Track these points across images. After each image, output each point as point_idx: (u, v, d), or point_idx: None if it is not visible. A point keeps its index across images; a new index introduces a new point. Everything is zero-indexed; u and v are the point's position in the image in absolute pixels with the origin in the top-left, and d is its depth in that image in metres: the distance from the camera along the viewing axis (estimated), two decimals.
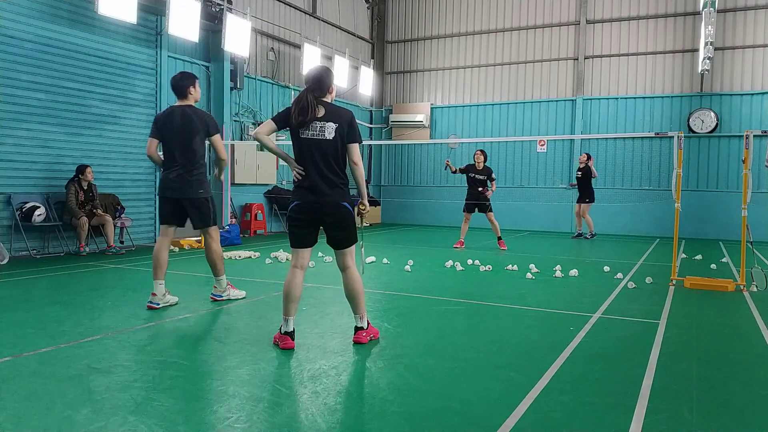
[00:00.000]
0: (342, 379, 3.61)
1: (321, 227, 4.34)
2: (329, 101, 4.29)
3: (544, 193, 16.31)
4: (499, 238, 11.21)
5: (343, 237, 4.32)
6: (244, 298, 6.01)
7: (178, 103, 5.66)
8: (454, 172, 11.42)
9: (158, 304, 5.52)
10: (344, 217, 4.26)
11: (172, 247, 10.45)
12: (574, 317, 5.46)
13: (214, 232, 5.80)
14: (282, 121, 4.22)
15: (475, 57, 17.40)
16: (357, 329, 4.43)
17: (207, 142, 5.72)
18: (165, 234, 5.71)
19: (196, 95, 5.71)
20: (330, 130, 4.15)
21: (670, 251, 7.96)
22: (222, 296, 5.91)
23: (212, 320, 5.16)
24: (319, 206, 4.21)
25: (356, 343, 4.37)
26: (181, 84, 5.61)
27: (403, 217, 17.73)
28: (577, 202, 13.68)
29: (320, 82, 4.23)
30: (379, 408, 3.19)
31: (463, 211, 11.39)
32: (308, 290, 6.63)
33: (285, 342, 4.23)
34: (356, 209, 4.38)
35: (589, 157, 13.51)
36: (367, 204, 4.43)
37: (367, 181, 18.43)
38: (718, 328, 5.22)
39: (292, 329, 4.28)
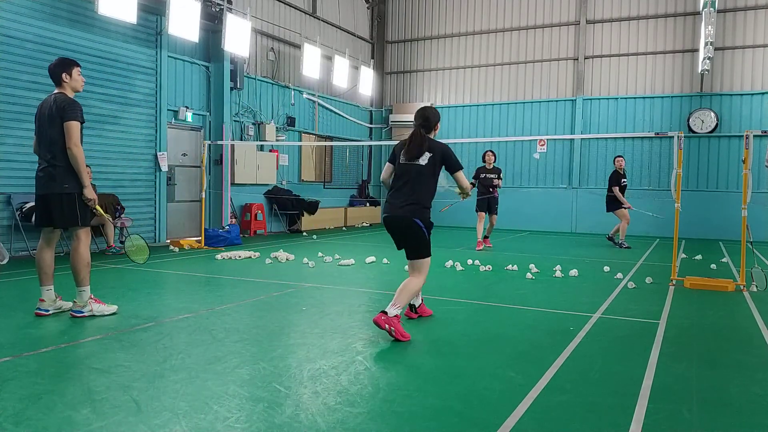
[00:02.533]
0: (342, 379, 3.61)
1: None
2: (432, 137, 5.08)
3: (544, 193, 16.31)
4: (486, 237, 11.43)
5: (411, 249, 4.89)
6: (114, 314, 5.23)
7: (54, 91, 5.20)
8: (468, 193, 11.45)
9: (48, 311, 5.18)
10: (413, 232, 4.79)
11: (172, 247, 10.45)
12: (574, 317, 5.46)
13: (84, 235, 5.22)
14: (392, 156, 5.10)
15: (475, 57, 17.40)
16: (381, 312, 4.58)
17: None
18: (43, 237, 5.26)
19: (74, 84, 5.21)
20: (424, 158, 4.85)
21: (670, 251, 7.96)
22: (83, 312, 5.12)
23: (212, 320, 5.16)
24: (393, 219, 4.87)
25: (374, 322, 4.52)
26: (55, 71, 5.15)
27: None
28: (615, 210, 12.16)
29: (428, 120, 5.03)
30: (379, 408, 3.19)
31: (476, 211, 11.40)
32: (308, 290, 6.64)
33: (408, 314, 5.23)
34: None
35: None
36: (467, 185, 5.14)
37: (367, 181, 18.42)
38: (718, 328, 5.22)
39: (419, 302, 5.32)
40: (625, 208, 11.96)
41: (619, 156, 12.29)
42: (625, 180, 12.09)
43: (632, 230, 14.91)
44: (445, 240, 12.75)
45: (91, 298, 5.19)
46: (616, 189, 11.86)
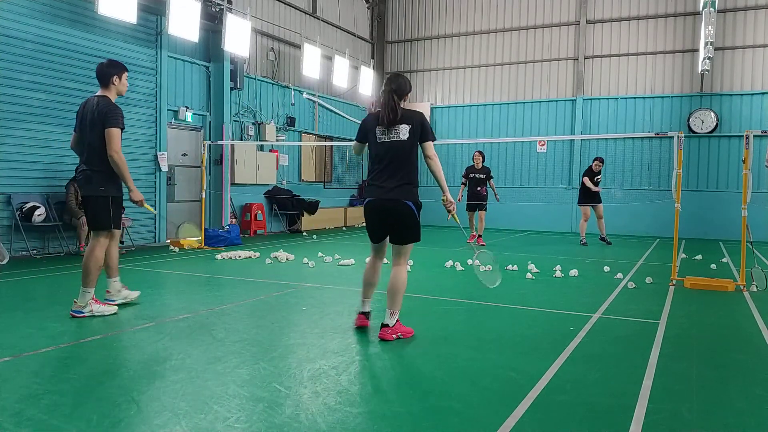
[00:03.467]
0: (342, 379, 3.61)
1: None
2: (403, 106, 4.59)
3: (544, 193, 16.31)
4: (479, 236, 11.58)
5: (402, 234, 4.58)
6: (114, 314, 5.22)
7: (98, 92, 5.31)
8: (461, 196, 11.78)
9: (114, 300, 5.44)
10: (406, 214, 4.49)
11: (171, 248, 10.45)
12: (574, 317, 5.46)
13: (105, 238, 5.23)
14: (361, 134, 4.70)
15: (475, 57, 17.40)
16: (383, 326, 4.54)
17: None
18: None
19: (121, 87, 5.32)
20: (404, 131, 4.48)
21: (670, 251, 7.96)
22: (83, 312, 5.10)
23: (212, 320, 5.16)
24: (382, 203, 4.54)
25: (381, 339, 4.47)
26: (106, 71, 5.24)
27: None
28: (597, 204, 12.58)
29: (401, 86, 4.58)
30: (379, 408, 3.19)
31: (466, 210, 11.78)
32: (308, 290, 6.64)
33: (358, 320, 4.78)
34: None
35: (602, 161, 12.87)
36: (449, 197, 4.64)
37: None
38: (718, 328, 5.22)
39: (367, 310, 4.79)
40: (586, 205, 12.62)
41: (597, 158, 12.64)
42: (598, 177, 12.58)
43: (632, 230, 14.94)
44: (444, 240, 12.75)
45: (92, 299, 5.19)
46: (586, 179, 12.47)
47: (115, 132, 5.08)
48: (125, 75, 5.38)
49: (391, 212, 4.51)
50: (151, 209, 6.19)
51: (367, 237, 4.84)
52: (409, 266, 8.29)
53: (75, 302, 5.15)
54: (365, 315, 4.79)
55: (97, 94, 5.30)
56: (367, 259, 4.99)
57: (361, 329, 4.76)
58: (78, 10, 9.71)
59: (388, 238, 4.70)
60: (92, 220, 5.27)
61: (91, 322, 4.95)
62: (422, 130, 4.51)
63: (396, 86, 4.56)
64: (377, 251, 4.78)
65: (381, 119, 4.51)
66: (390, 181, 4.49)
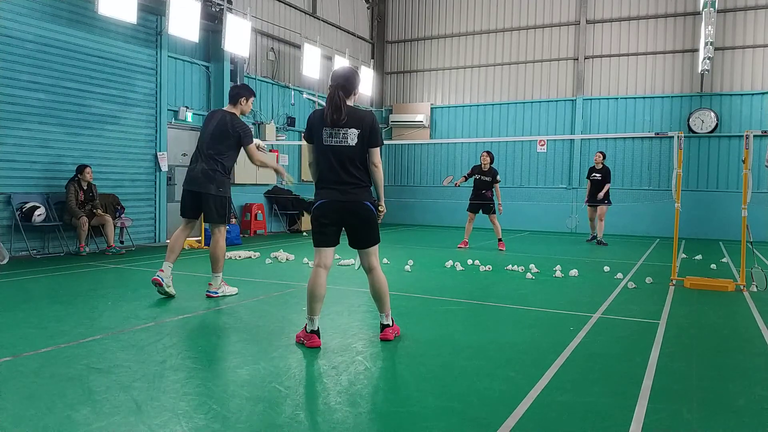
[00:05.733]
0: (342, 379, 3.60)
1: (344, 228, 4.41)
2: (351, 104, 4.30)
3: (544, 193, 16.31)
4: (500, 240, 11.23)
5: (365, 237, 4.38)
6: (236, 294, 6.21)
7: (226, 108, 6.16)
8: (459, 185, 11.47)
9: (164, 280, 5.91)
10: (367, 216, 4.31)
11: None
12: (574, 317, 5.46)
13: (224, 230, 6.14)
14: (308, 133, 4.37)
15: (475, 57, 17.40)
16: (383, 327, 4.52)
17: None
18: (185, 224, 6.16)
19: (245, 109, 6.14)
20: (353, 136, 4.19)
21: (670, 251, 7.96)
22: (217, 293, 6.08)
23: (212, 320, 5.16)
24: (341, 205, 4.26)
25: (383, 340, 4.45)
26: (238, 92, 6.10)
27: (403, 217, 17.73)
28: (595, 204, 12.56)
29: (349, 81, 4.25)
30: (379, 408, 3.19)
31: (468, 210, 11.40)
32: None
33: (311, 340, 4.29)
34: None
35: (604, 157, 12.86)
36: (383, 206, 4.51)
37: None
38: (718, 328, 5.22)
39: (316, 328, 4.35)
40: (588, 204, 12.79)
41: (598, 152, 12.94)
42: (595, 175, 12.63)
43: (632, 230, 14.94)
44: (444, 240, 12.75)
45: (222, 282, 6.08)
46: (588, 176, 12.74)
47: (253, 148, 6.14)
48: (252, 99, 6.22)
49: (352, 214, 4.27)
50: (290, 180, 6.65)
51: (315, 245, 4.39)
52: (409, 266, 8.31)
53: (210, 285, 6.05)
54: (317, 333, 4.31)
55: (225, 108, 6.17)
56: (307, 260, 4.80)
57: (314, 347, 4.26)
58: (78, 10, 9.71)
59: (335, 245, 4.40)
60: (209, 215, 5.98)
61: (92, 323, 4.95)
62: (371, 134, 4.23)
63: (343, 81, 4.21)
64: (325, 260, 4.35)
65: (324, 118, 4.19)
66: (342, 184, 4.22)
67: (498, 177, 11.23)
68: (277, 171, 6.42)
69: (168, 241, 11.17)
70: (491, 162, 11.24)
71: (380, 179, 4.39)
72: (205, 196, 5.92)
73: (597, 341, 4.64)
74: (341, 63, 15.62)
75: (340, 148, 4.20)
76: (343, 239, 4.50)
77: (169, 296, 5.96)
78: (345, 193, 4.22)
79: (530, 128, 16.60)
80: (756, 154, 8.49)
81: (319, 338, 4.32)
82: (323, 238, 4.32)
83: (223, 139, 5.93)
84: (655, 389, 3.52)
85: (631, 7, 15.53)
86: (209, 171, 5.90)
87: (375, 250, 4.44)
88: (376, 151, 4.31)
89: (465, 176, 11.45)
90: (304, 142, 4.53)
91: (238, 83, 12.76)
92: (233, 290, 6.24)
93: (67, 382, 3.48)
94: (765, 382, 3.75)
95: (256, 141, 6.34)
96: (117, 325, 4.88)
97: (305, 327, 4.38)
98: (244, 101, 6.08)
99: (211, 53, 12.47)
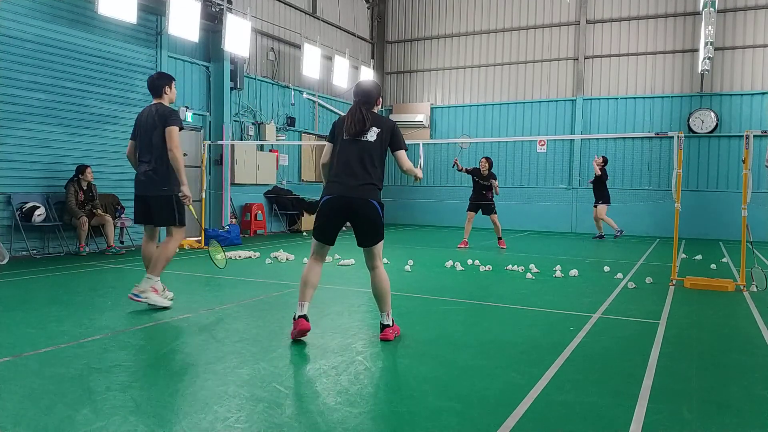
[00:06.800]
0: (342, 379, 3.60)
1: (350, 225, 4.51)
2: (375, 111, 4.58)
3: (544, 193, 16.31)
4: (500, 238, 11.32)
5: (369, 235, 4.44)
6: (167, 308, 5.48)
7: (153, 102, 5.74)
8: (461, 170, 11.45)
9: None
10: (372, 215, 4.37)
11: None
12: (574, 317, 5.46)
13: (177, 233, 5.66)
14: (332, 135, 4.57)
15: (475, 57, 17.40)
16: (383, 327, 4.53)
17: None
18: (146, 233, 5.81)
19: (172, 96, 5.78)
20: (372, 133, 4.41)
21: (670, 251, 7.96)
22: (140, 297, 5.47)
23: (212, 320, 5.16)
24: (348, 201, 4.35)
25: (383, 340, 4.46)
26: (157, 83, 5.71)
27: (404, 217, 17.73)
28: (594, 206, 13.51)
29: (370, 96, 4.52)
30: (379, 408, 3.19)
31: (467, 210, 11.49)
32: None
33: (299, 326, 4.34)
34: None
35: (605, 161, 13.52)
36: (409, 166, 4.60)
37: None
38: (718, 328, 5.22)
39: (305, 313, 4.38)
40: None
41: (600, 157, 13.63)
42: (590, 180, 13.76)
43: (632, 230, 14.94)
44: (444, 240, 12.75)
45: (152, 288, 5.47)
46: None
47: (175, 130, 5.50)
48: (174, 83, 5.83)
49: (357, 211, 4.34)
50: (194, 213, 6.28)
51: (315, 237, 4.52)
52: (409, 266, 8.31)
53: (136, 286, 5.47)
54: (305, 318, 4.37)
55: (152, 103, 5.72)
56: (306, 260, 4.86)
57: (303, 333, 4.36)
58: (78, 10, 9.71)
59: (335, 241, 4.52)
60: (158, 218, 5.60)
61: (92, 323, 4.95)
62: (392, 137, 4.47)
63: (365, 97, 4.49)
64: (321, 253, 4.53)
65: (347, 128, 4.42)
66: (353, 180, 4.32)
67: (496, 182, 11.40)
68: (181, 184, 5.62)
69: None
70: (490, 168, 11.40)
71: (408, 165, 4.54)
72: (150, 199, 5.60)
73: (597, 341, 4.64)
74: (341, 63, 15.63)
75: (359, 143, 4.39)
76: (351, 238, 4.51)
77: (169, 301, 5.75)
78: (354, 189, 4.32)
79: (530, 128, 16.60)
80: (756, 154, 8.49)
81: (308, 321, 4.38)
82: (324, 233, 4.47)
83: (155, 133, 5.55)
84: (655, 389, 3.52)
85: (631, 7, 15.53)
86: (149, 171, 5.57)
87: (378, 249, 4.50)
88: (402, 155, 4.50)
89: (466, 169, 11.51)
90: (327, 144, 4.61)
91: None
92: (165, 302, 5.51)
93: (67, 382, 3.48)
94: (765, 382, 3.75)
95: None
96: (117, 325, 4.88)
97: (293, 316, 4.44)
98: (168, 89, 5.74)
99: (211, 53, 12.47)
